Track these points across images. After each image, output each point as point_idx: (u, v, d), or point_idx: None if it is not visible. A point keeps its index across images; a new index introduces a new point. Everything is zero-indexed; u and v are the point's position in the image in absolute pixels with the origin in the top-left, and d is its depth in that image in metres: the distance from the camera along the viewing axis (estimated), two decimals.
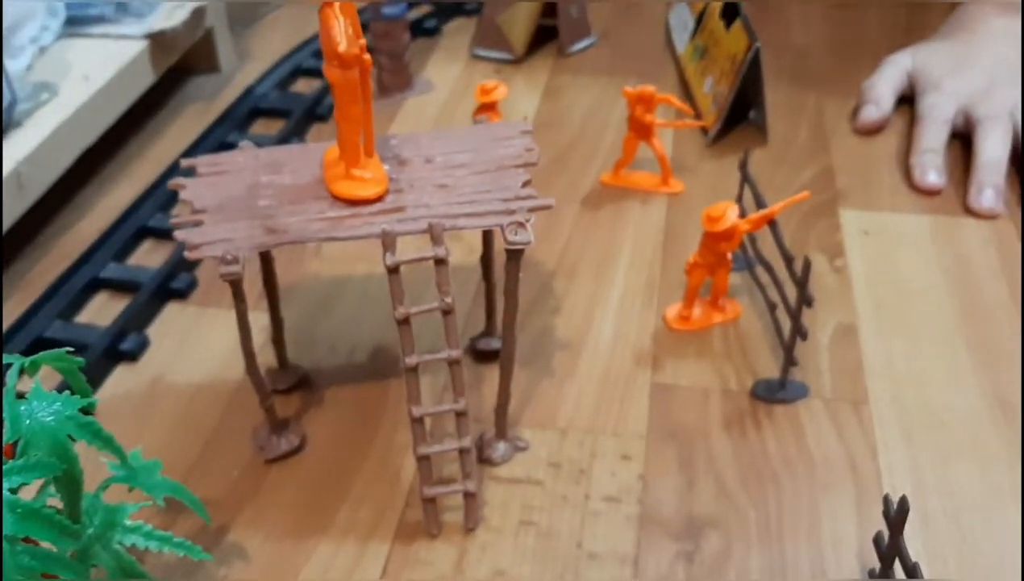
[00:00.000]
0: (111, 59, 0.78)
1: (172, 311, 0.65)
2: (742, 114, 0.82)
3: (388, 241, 0.46)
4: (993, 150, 0.73)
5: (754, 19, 0.80)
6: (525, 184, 0.49)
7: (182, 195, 0.49)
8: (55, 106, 0.72)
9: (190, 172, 0.52)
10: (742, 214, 0.63)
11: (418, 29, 0.98)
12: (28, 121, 0.70)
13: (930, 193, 0.73)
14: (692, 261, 0.60)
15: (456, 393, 0.48)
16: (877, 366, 0.59)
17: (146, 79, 0.81)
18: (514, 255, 0.47)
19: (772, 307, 0.59)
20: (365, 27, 0.92)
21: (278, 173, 0.50)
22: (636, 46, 0.97)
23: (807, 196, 0.59)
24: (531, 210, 0.48)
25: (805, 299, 0.53)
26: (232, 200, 0.48)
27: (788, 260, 0.55)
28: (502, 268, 0.48)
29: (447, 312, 0.47)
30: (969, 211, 0.72)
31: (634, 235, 0.71)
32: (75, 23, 0.82)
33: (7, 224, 0.66)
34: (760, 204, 0.60)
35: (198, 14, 0.85)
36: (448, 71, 0.93)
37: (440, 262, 0.46)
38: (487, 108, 0.68)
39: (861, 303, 0.64)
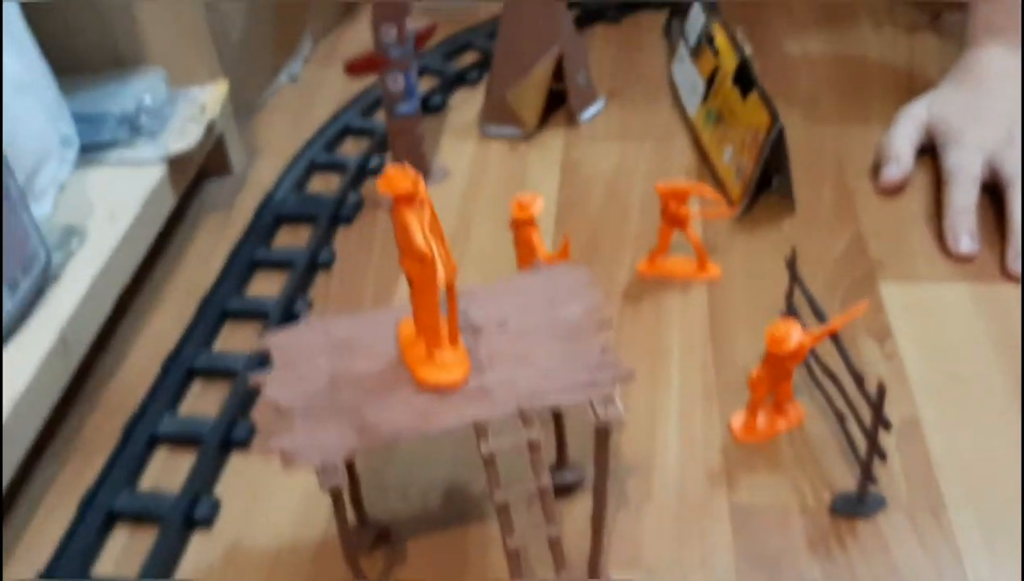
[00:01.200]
0: (133, 191, 0.77)
1: (237, 465, 0.64)
2: (765, 181, 0.82)
3: (481, 431, 0.46)
4: None
5: (755, 61, 0.80)
6: (605, 350, 0.49)
7: (265, 394, 0.48)
8: (87, 253, 0.71)
9: (259, 360, 0.51)
10: (799, 320, 0.64)
11: (423, 106, 0.97)
12: (63, 274, 0.69)
13: (965, 259, 0.74)
14: (756, 376, 0.60)
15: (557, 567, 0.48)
16: (946, 463, 0.60)
17: (168, 204, 0.80)
18: (604, 435, 0.47)
19: (841, 418, 0.59)
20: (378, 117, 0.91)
21: (353, 355, 0.50)
22: (644, 106, 0.97)
23: (866, 307, 0.60)
24: (616, 380, 0.48)
25: (883, 423, 0.53)
26: (315, 395, 0.48)
27: (859, 380, 0.56)
28: None
29: (544, 492, 0.47)
30: (1007, 275, 0.72)
31: (680, 331, 0.71)
32: (89, 150, 0.80)
33: (57, 391, 0.65)
34: (816, 310, 0.61)
35: (211, 127, 0.84)
36: (461, 152, 0.92)
37: (534, 446, 0.46)
38: (525, 224, 0.68)
39: (919, 393, 0.64)
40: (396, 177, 0.44)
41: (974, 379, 0.65)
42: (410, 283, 0.47)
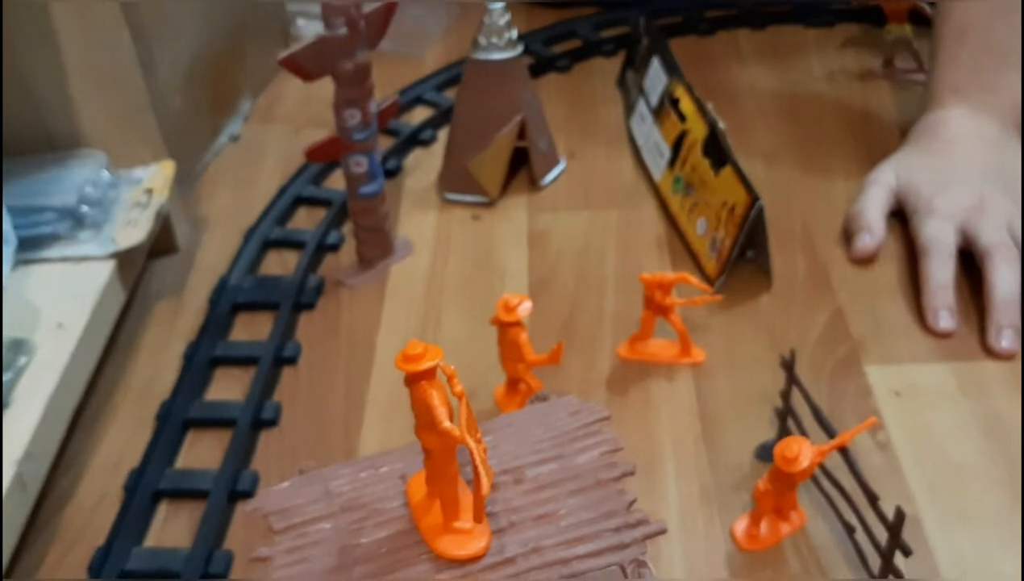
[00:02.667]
0: (81, 292, 0.71)
1: None
2: (739, 253, 0.81)
3: None
4: (1005, 286, 0.73)
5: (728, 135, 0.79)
6: (630, 504, 0.47)
7: (274, 576, 0.45)
8: (36, 371, 0.66)
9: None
10: (795, 420, 0.63)
11: None
12: (12, 399, 0.63)
13: (944, 335, 0.74)
14: (763, 489, 0.59)
15: None
16: (948, 564, 0.59)
17: (118, 303, 0.75)
18: None
19: (850, 531, 0.58)
20: (343, 206, 0.87)
21: (361, 523, 0.47)
22: (606, 167, 0.95)
23: (875, 422, 0.59)
24: (646, 539, 0.46)
25: (902, 550, 0.52)
26: (324, 576, 0.45)
27: (872, 499, 0.55)
28: None
29: None
30: (988, 351, 0.72)
31: (670, 426, 0.69)
32: (28, 246, 0.74)
33: (16, 534, 0.60)
34: (822, 423, 0.59)
35: (160, 215, 0.78)
36: (423, 222, 0.89)
37: None
38: (512, 325, 0.65)
39: (915, 486, 0.64)
40: (416, 353, 0.41)
41: (967, 471, 0.64)
42: (426, 454, 0.44)
